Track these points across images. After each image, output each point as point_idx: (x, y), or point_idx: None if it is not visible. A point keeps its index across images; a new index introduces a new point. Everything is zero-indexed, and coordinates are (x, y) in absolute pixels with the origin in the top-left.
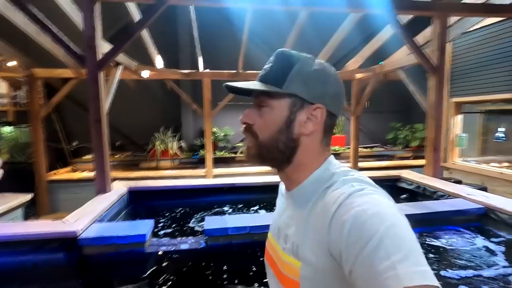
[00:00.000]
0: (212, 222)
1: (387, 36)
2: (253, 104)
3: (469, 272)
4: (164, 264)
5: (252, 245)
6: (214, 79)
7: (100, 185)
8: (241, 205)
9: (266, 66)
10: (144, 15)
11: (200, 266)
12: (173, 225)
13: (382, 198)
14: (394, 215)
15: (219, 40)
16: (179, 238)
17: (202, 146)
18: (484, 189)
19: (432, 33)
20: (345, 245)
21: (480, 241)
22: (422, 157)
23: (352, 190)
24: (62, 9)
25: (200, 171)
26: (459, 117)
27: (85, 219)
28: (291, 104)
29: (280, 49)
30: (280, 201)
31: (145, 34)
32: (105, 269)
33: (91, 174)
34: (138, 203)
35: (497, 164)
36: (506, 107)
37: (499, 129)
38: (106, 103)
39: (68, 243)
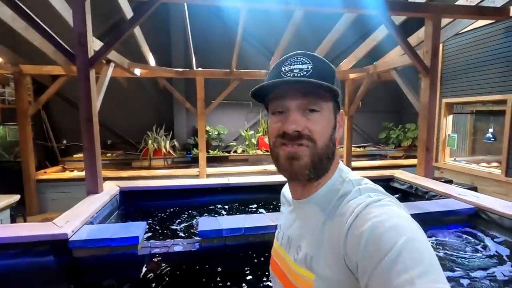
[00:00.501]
0: (206, 223)
1: (380, 37)
2: (296, 109)
3: (457, 273)
4: (157, 266)
5: (247, 246)
6: (207, 77)
7: (91, 185)
8: (235, 206)
9: (301, 66)
10: (136, 12)
11: (194, 269)
12: (166, 227)
13: (399, 210)
14: (413, 229)
15: (212, 38)
16: (173, 240)
17: (195, 145)
18: (474, 189)
19: (425, 34)
20: (361, 257)
21: (471, 241)
22: (413, 157)
23: (370, 201)
24: (52, 5)
25: (193, 171)
26: (450, 118)
27: (76, 221)
28: (334, 108)
29: (305, 51)
30: (287, 209)
31: (137, 31)
32: (96, 272)
33: (81, 174)
34: (130, 204)
35: (486, 164)
36: (495, 108)
37: (490, 130)
38: (97, 101)
39: (59, 245)
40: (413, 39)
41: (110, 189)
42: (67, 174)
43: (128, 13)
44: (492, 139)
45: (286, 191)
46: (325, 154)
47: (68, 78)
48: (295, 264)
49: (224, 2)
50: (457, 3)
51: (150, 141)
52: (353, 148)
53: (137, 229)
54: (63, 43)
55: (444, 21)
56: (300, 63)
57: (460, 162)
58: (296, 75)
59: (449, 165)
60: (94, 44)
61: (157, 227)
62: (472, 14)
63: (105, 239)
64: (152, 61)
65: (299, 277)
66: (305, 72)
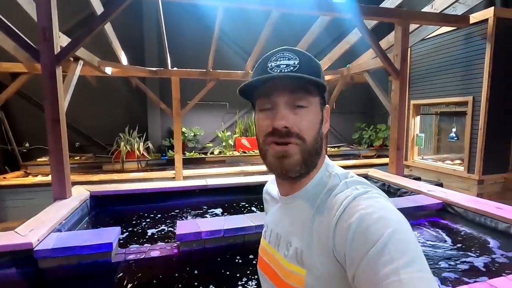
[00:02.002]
0: (184, 226)
1: (354, 40)
2: (284, 105)
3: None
4: (133, 273)
5: (227, 248)
6: (183, 77)
7: (58, 190)
8: (214, 207)
9: (287, 62)
10: (107, 7)
11: (173, 274)
12: (143, 231)
13: (386, 202)
14: (399, 221)
15: (188, 37)
16: (149, 245)
17: (171, 147)
18: (440, 185)
19: (395, 38)
20: (349, 249)
21: (439, 234)
22: (385, 156)
23: (357, 193)
24: None
25: (169, 173)
26: (418, 118)
27: (42, 229)
28: (320, 103)
29: (290, 47)
30: (274, 207)
31: (108, 28)
32: (65, 283)
33: (47, 178)
34: (102, 209)
35: (450, 162)
36: (457, 109)
37: (453, 130)
38: (64, 100)
39: (22, 256)
40: (383, 43)
41: (79, 194)
42: (30, 179)
43: (98, 8)
44: (455, 138)
45: (270, 188)
46: (314, 150)
47: (30, 76)
48: (285, 260)
49: (200, 1)
50: (423, 10)
51: (122, 143)
52: (328, 149)
53: (111, 235)
54: (25, 38)
55: (412, 26)
56: (286, 58)
57: (427, 160)
58: (283, 70)
59: (417, 163)
60: (61, 40)
61: (133, 232)
62: (436, 21)
63: (74, 247)
64: (124, 59)
65: (290, 273)
66: (292, 68)
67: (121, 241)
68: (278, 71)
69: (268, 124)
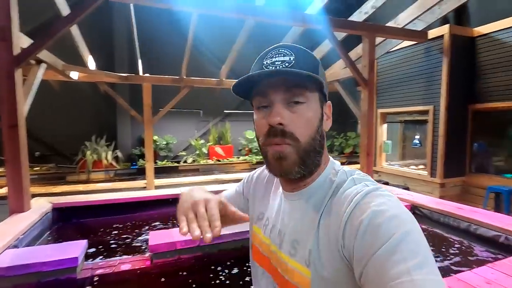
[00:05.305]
0: (157, 237)
1: (325, 50)
2: (280, 102)
3: None
4: None
5: (203, 258)
6: (155, 84)
7: (15, 203)
8: None
9: (283, 58)
10: (73, 10)
11: None
12: (112, 244)
13: (397, 201)
14: (412, 221)
15: (161, 43)
16: (119, 258)
17: (141, 156)
18: (407, 189)
19: (363, 50)
20: (358, 245)
21: None
22: (355, 162)
23: (368, 190)
24: None
25: (140, 183)
26: (385, 126)
27: None
28: (320, 99)
29: (287, 43)
30: (274, 199)
31: (74, 30)
32: None
33: (2, 191)
34: (66, 222)
35: (415, 167)
36: (420, 117)
37: (416, 137)
38: (24, 105)
39: None
40: (352, 54)
41: (40, 206)
42: None
43: (65, 9)
44: (418, 145)
45: (267, 176)
46: (311, 148)
47: None
48: (291, 259)
49: (174, 6)
50: (387, 24)
51: (88, 152)
52: None
53: (76, 249)
54: None
55: (377, 40)
56: (282, 55)
57: (394, 165)
58: (278, 67)
59: (385, 169)
60: (22, 41)
61: (101, 245)
62: (400, 35)
63: (34, 264)
64: (92, 64)
65: (294, 272)
66: (287, 64)
67: (89, 255)
68: (273, 68)
69: (265, 123)
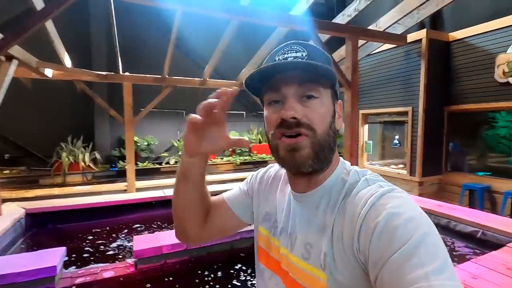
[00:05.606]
0: (142, 241)
1: None
2: (293, 96)
3: None
4: None
5: (190, 262)
6: (136, 83)
7: None
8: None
9: (295, 54)
10: (48, 4)
11: None
12: (92, 251)
13: (414, 203)
14: (429, 224)
15: (142, 40)
16: (101, 265)
17: (121, 157)
18: None
19: (346, 52)
20: (374, 248)
21: None
22: None
23: (383, 191)
24: None
25: (120, 185)
26: (366, 127)
27: None
28: (332, 95)
29: (298, 41)
30: (282, 200)
31: (49, 25)
32: None
33: None
34: (41, 228)
35: (394, 166)
36: (399, 118)
37: (396, 137)
38: None
39: None
40: (336, 56)
41: (11, 212)
42: None
43: (38, 3)
44: (398, 145)
45: (275, 174)
46: (326, 143)
47: None
48: (304, 262)
49: (158, 3)
50: (369, 27)
51: (64, 154)
52: None
53: (54, 257)
54: None
55: (359, 42)
56: (294, 51)
57: (375, 165)
58: (296, 60)
59: (367, 168)
60: None
61: (81, 252)
62: (381, 38)
63: (8, 275)
64: (68, 61)
65: (308, 276)
66: (299, 59)
67: (68, 263)
68: (298, 59)
69: (276, 117)
